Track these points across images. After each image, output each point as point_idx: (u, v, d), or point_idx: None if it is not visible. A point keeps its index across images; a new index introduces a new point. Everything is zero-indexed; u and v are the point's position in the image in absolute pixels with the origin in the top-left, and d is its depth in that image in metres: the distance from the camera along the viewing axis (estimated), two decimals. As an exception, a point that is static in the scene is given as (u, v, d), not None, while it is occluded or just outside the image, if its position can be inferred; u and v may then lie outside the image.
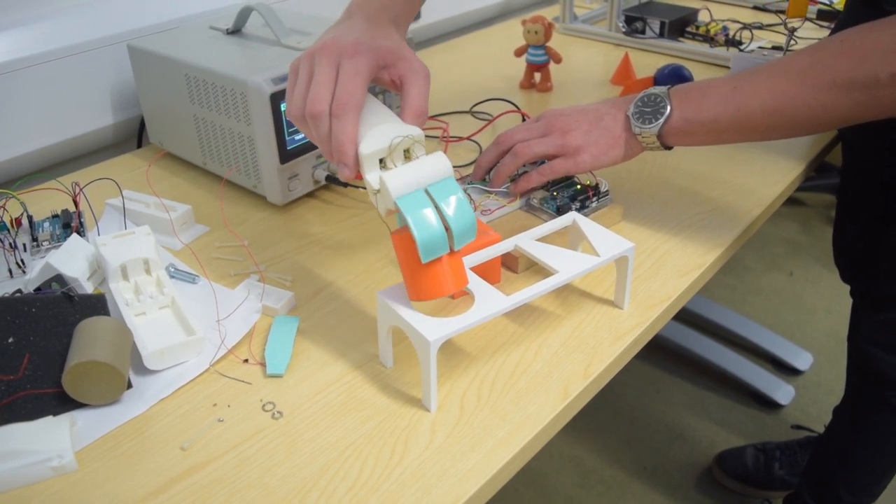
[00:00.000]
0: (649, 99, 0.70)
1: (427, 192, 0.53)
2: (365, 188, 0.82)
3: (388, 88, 0.62)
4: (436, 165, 0.54)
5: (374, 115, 0.56)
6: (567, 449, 1.51)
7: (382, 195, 0.53)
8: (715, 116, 0.67)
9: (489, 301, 0.56)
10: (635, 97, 0.71)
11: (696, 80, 0.72)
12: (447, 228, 0.53)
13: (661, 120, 0.69)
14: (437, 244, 0.52)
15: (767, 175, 0.86)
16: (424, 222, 0.52)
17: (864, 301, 1.02)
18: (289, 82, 0.59)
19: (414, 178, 0.53)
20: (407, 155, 0.55)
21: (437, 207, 0.52)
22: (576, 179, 0.77)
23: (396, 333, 0.61)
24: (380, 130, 0.54)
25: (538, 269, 0.61)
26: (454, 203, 0.53)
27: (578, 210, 0.74)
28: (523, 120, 0.94)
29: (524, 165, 0.75)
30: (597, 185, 0.76)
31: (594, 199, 0.75)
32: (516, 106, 1.02)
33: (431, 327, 0.52)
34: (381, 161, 0.55)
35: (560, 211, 0.73)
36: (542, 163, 0.75)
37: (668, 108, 0.69)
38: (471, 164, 0.89)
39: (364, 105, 0.56)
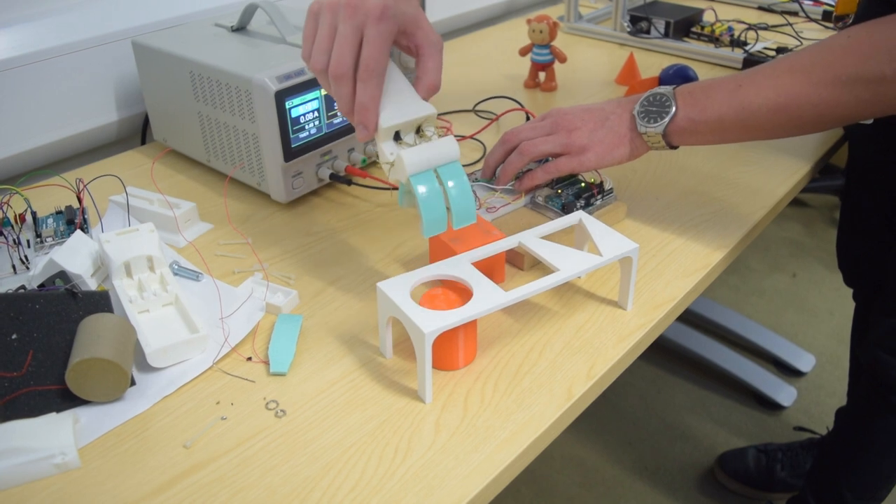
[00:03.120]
0: (655, 98, 0.70)
1: (436, 171, 0.58)
2: (368, 185, 0.83)
3: (402, 52, 0.65)
4: (446, 148, 0.59)
5: (393, 82, 0.60)
6: (568, 449, 1.51)
7: (396, 168, 0.58)
8: (720, 115, 0.67)
9: (487, 296, 0.56)
10: (641, 97, 0.71)
11: (701, 80, 0.72)
12: (448, 208, 0.58)
13: (667, 119, 0.69)
14: (439, 223, 0.58)
15: (773, 175, 0.86)
16: (431, 203, 0.57)
17: (871, 304, 1.01)
18: (307, 26, 0.59)
19: (427, 159, 0.58)
20: (419, 131, 0.59)
21: (442, 187, 0.58)
22: (580, 177, 0.77)
23: (403, 331, 0.61)
24: (400, 105, 0.58)
25: (545, 269, 0.61)
26: (458, 186, 0.59)
27: (583, 208, 0.74)
28: (528, 118, 0.94)
29: (530, 163, 0.75)
30: (601, 182, 0.76)
31: (599, 196, 0.75)
32: (520, 103, 1.02)
33: (427, 319, 0.53)
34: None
35: (565, 209, 0.73)
36: (548, 161, 0.75)
37: (674, 107, 0.69)
38: (475, 163, 0.89)
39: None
